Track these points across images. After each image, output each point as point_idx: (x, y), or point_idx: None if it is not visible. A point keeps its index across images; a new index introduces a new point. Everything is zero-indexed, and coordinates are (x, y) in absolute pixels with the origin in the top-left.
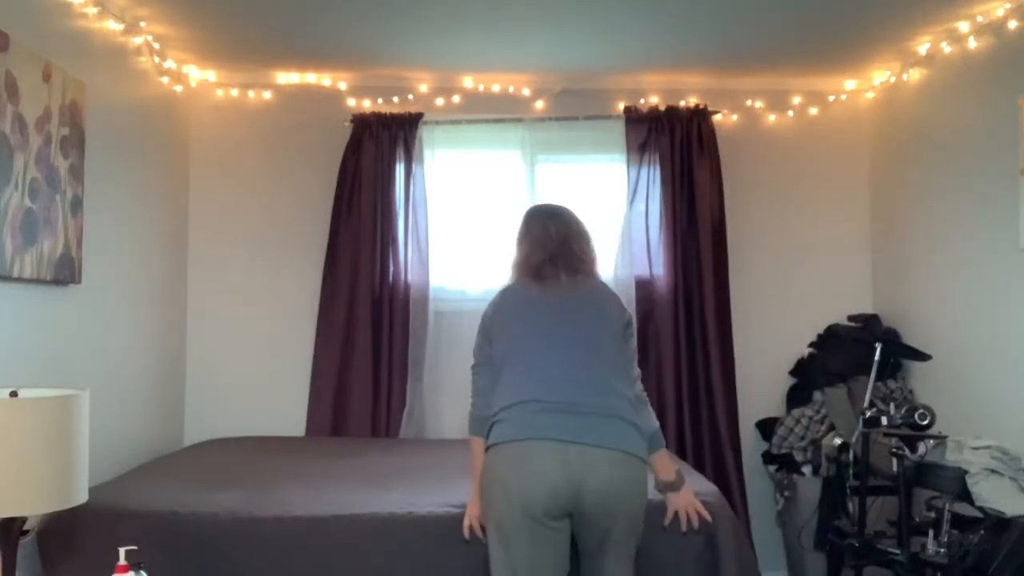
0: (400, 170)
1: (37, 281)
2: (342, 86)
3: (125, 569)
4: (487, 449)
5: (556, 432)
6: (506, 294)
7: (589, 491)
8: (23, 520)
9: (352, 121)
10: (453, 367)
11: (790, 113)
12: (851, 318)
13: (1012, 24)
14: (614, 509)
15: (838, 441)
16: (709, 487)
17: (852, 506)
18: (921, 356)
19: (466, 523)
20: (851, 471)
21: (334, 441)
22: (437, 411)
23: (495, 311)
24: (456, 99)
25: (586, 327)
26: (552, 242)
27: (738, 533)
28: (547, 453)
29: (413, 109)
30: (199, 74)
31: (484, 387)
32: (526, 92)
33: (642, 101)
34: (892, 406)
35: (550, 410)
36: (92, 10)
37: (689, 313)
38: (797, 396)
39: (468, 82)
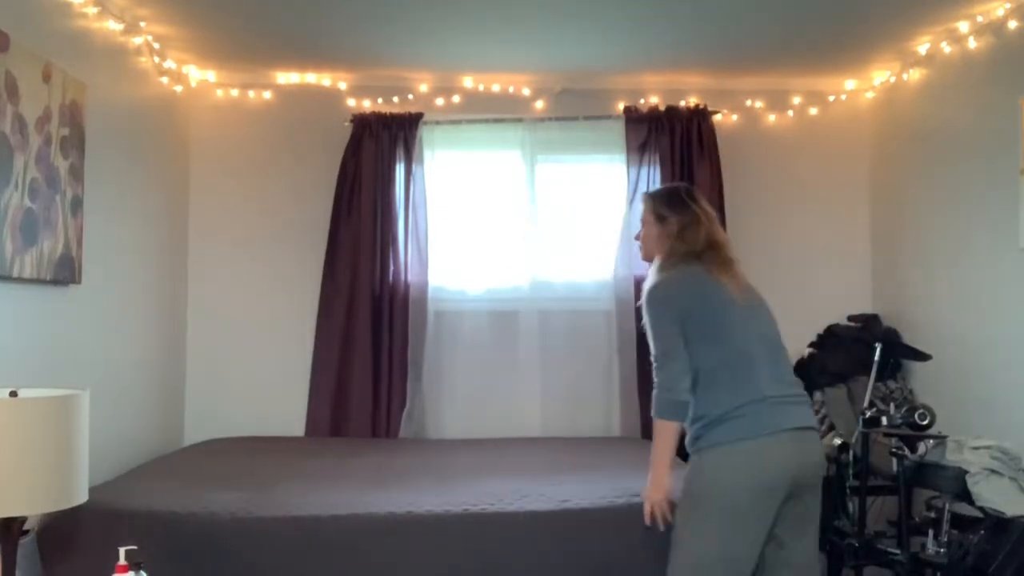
0: (400, 170)
1: (37, 281)
2: (342, 86)
3: (125, 569)
4: (719, 445)
5: (790, 422)
6: (686, 279)
7: (811, 466)
8: (23, 520)
9: (352, 121)
10: (453, 367)
11: (790, 113)
12: (851, 318)
13: (1012, 24)
14: (818, 482)
15: (838, 441)
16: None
17: (852, 506)
18: (921, 356)
19: (648, 508)
20: (851, 471)
21: (333, 441)
22: (437, 411)
23: (682, 295)
24: (456, 99)
25: (765, 318)
26: (714, 224)
27: None
28: (788, 442)
29: (413, 109)
30: (199, 74)
31: (680, 371)
32: (526, 92)
33: (642, 101)
34: (892, 406)
35: (780, 403)
36: (92, 10)
37: None
38: None
39: (468, 82)
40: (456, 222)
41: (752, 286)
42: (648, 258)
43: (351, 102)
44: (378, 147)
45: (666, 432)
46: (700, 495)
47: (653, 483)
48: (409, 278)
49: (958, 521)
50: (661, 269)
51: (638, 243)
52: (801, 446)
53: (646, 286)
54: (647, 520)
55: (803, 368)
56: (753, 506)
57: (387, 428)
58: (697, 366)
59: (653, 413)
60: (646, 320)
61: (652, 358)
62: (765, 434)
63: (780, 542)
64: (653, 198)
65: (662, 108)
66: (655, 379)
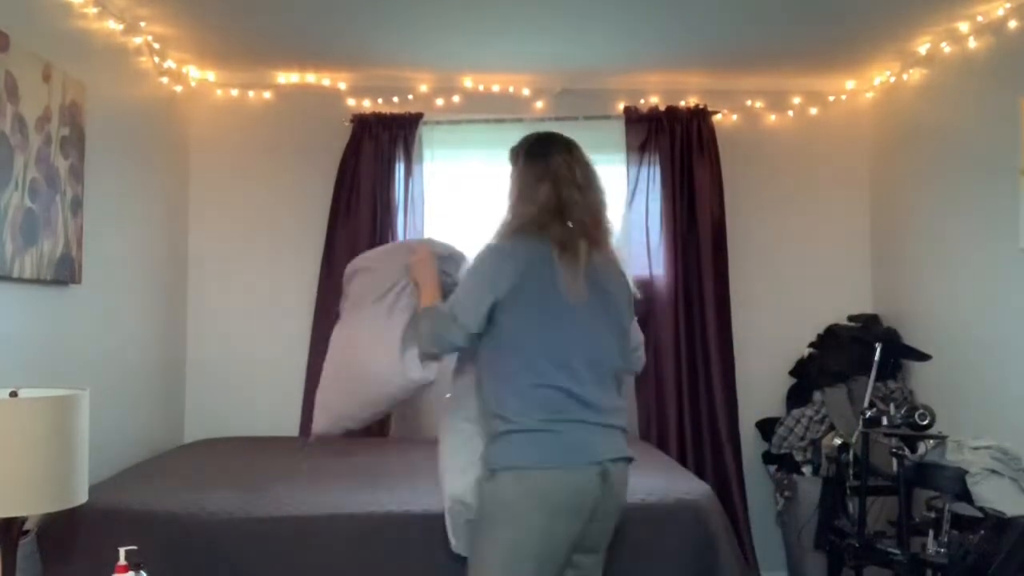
0: (400, 170)
1: (37, 281)
2: (342, 86)
3: (125, 569)
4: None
5: (601, 453)
6: (520, 250)
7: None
8: (23, 520)
9: (352, 121)
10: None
11: (790, 113)
12: (851, 318)
13: (1012, 24)
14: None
15: (838, 441)
16: (702, 487)
17: (852, 506)
18: (921, 356)
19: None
20: (851, 471)
21: (330, 440)
22: (434, 410)
23: (513, 266)
24: (456, 99)
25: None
26: (572, 187)
27: (729, 532)
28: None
29: (413, 109)
30: (199, 74)
31: (455, 344)
32: (526, 92)
33: (642, 101)
34: (892, 406)
35: (594, 428)
36: (92, 10)
37: (689, 313)
38: (797, 396)
39: (468, 82)
40: (456, 222)
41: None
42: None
43: (351, 102)
44: (378, 147)
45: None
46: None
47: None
48: None
49: (958, 521)
50: (497, 236)
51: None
52: (609, 479)
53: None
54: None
55: (803, 368)
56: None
57: (382, 428)
58: (502, 362)
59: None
60: (462, 273)
61: (438, 305)
62: (571, 464)
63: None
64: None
65: (662, 108)
66: (423, 326)
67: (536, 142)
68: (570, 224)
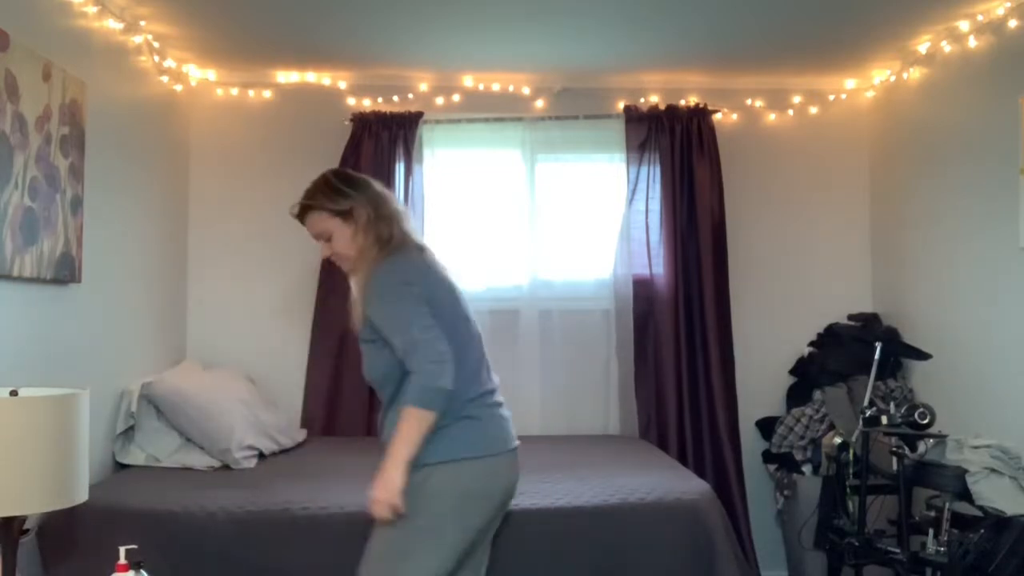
0: (400, 169)
1: (37, 280)
2: (342, 85)
3: (125, 568)
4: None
5: (513, 439)
6: (420, 262)
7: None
8: (23, 519)
9: (352, 120)
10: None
11: (790, 112)
12: (851, 317)
13: (1012, 23)
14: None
15: (838, 440)
16: (701, 486)
17: (852, 505)
18: (921, 355)
19: (390, 499)
20: (851, 470)
21: (329, 439)
22: None
23: (425, 278)
24: (456, 98)
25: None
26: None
27: (729, 531)
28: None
29: (413, 108)
30: (199, 73)
31: (446, 352)
32: (526, 91)
33: (642, 100)
34: (892, 405)
35: (505, 412)
36: (92, 9)
37: (689, 312)
38: (797, 395)
39: (468, 81)
40: (456, 221)
41: None
42: (355, 269)
43: (351, 101)
44: (378, 146)
45: (425, 422)
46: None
47: (386, 480)
48: None
49: (958, 520)
50: (382, 258)
51: (337, 258)
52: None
53: (373, 273)
54: (385, 512)
55: (803, 367)
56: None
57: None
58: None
59: (413, 400)
60: (379, 308)
61: (401, 342)
62: (499, 452)
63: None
64: (317, 199)
65: (662, 107)
66: (413, 364)
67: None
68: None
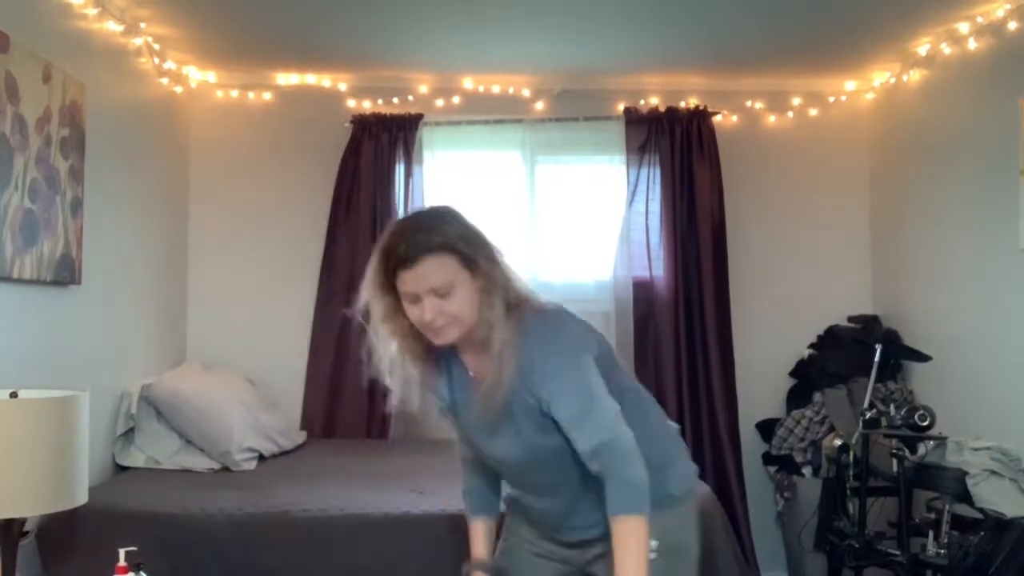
0: (400, 171)
1: (37, 282)
2: (342, 87)
3: (125, 570)
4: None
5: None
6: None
7: None
8: (23, 521)
9: (352, 122)
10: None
11: (790, 114)
12: (851, 319)
13: (1012, 25)
14: None
15: (838, 442)
16: (702, 487)
17: (852, 507)
18: (921, 357)
19: None
20: (851, 472)
21: (329, 442)
22: (433, 411)
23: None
24: (456, 100)
25: None
26: None
27: (729, 533)
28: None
29: (413, 110)
30: (199, 75)
31: (632, 437)
32: (526, 93)
33: (642, 102)
34: (892, 407)
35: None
36: (92, 11)
37: (689, 314)
38: (797, 397)
39: (468, 83)
40: None
41: None
42: (460, 337)
43: (351, 103)
44: (378, 148)
45: (644, 526)
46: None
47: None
48: None
49: (958, 522)
50: (523, 318)
51: (447, 322)
52: None
53: (527, 334)
54: None
55: (803, 369)
56: None
57: (381, 429)
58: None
59: (626, 508)
60: (560, 381)
61: (590, 426)
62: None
63: None
64: (450, 235)
65: (662, 109)
66: (608, 459)
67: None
68: None
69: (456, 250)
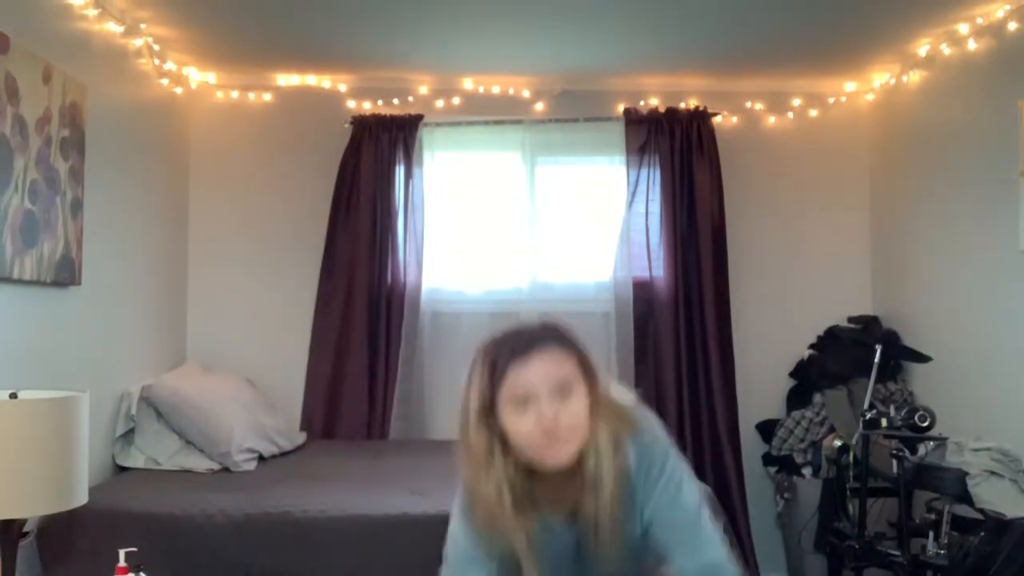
0: (400, 172)
1: (37, 283)
2: (342, 88)
3: (125, 571)
4: None
5: None
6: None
7: None
8: (23, 522)
9: (352, 123)
10: (452, 368)
11: (790, 115)
12: (851, 320)
13: (1012, 26)
14: None
15: (838, 443)
16: (701, 488)
17: (852, 508)
18: (921, 358)
19: None
20: (851, 473)
21: (329, 442)
22: (436, 412)
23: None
24: (456, 101)
25: None
26: None
27: (729, 533)
28: None
29: (413, 111)
30: (199, 76)
31: None
32: (526, 94)
33: (642, 103)
34: (892, 408)
35: None
36: (92, 12)
37: (689, 315)
38: (797, 398)
39: (468, 84)
40: (456, 223)
41: None
42: (574, 452)
43: (351, 104)
44: (378, 149)
45: None
46: None
47: None
48: (407, 280)
49: (958, 523)
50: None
51: (569, 433)
52: None
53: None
54: None
55: (803, 370)
56: None
57: (382, 430)
58: None
59: None
60: (679, 474)
61: (712, 543)
62: None
63: None
64: (576, 338)
65: (662, 110)
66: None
67: None
68: None
69: (578, 350)
